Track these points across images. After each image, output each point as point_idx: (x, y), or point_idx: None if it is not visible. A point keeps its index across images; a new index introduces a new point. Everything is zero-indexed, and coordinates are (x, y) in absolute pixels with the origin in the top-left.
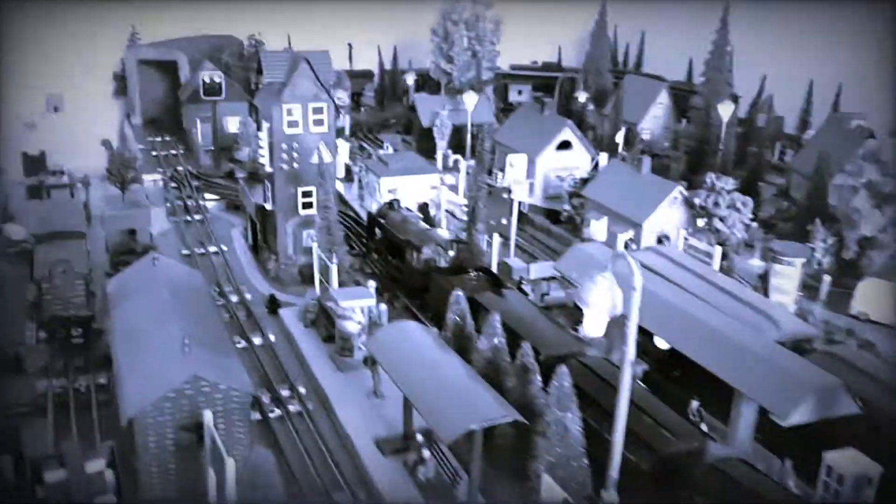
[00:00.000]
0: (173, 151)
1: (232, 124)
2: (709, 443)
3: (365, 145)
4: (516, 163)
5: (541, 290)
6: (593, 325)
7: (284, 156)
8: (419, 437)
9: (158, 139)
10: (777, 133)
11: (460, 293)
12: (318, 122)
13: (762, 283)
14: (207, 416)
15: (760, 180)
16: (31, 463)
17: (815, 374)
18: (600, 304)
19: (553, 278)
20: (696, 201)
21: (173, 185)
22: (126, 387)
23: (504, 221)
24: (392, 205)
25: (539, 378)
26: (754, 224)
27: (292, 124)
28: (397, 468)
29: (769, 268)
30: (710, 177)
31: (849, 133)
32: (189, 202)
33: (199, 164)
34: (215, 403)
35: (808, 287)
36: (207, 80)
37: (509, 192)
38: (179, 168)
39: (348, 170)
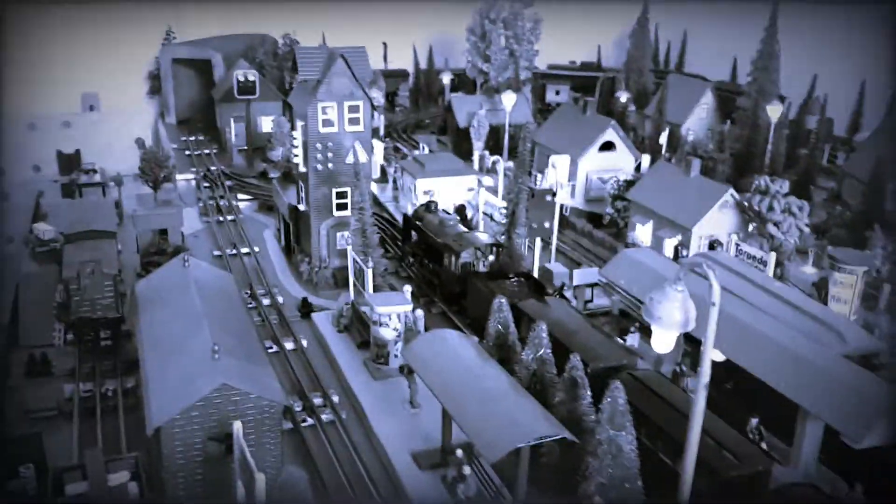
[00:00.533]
0: (206, 151)
1: (266, 124)
2: (773, 465)
3: (400, 146)
4: (559, 164)
5: (584, 296)
6: (663, 342)
7: (319, 155)
8: (458, 452)
9: (192, 139)
10: (827, 135)
11: (503, 300)
12: (354, 121)
13: (816, 291)
14: (237, 426)
15: (812, 184)
16: (53, 472)
17: (888, 392)
18: (672, 320)
19: (596, 284)
20: (748, 205)
21: (206, 184)
22: (153, 394)
23: (546, 225)
24: (429, 206)
25: (589, 393)
26: (807, 229)
27: (327, 123)
28: (435, 484)
29: (829, 276)
30: (763, 179)
31: None
32: (221, 202)
33: (231, 163)
34: (245, 413)
35: (865, 296)
36: (241, 79)
37: (553, 194)
38: (212, 168)
39: (383, 171)
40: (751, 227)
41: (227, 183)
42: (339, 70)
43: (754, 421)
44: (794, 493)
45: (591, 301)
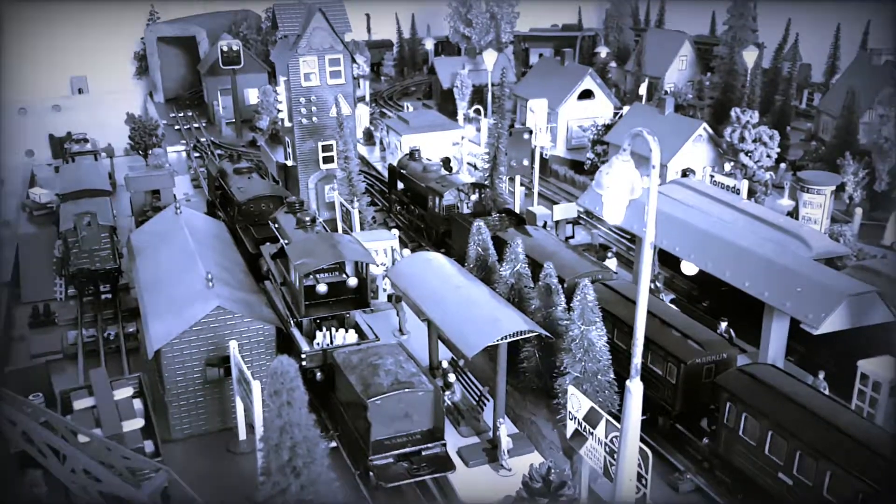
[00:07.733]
0: (196, 125)
1: (252, 96)
2: (736, 353)
3: (386, 111)
4: (537, 108)
5: (565, 232)
6: (613, 210)
7: (303, 109)
8: (444, 364)
9: (181, 115)
10: (804, 80)
11: (481, 223)
12: (335, 74)
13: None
14: (233, 345)
15: (788, 126)
16: (61, 394)
17: (846, 282)
18: (618, 187)
19: (577, 221)
20: (721, 137)
21: (196, 154)
22: (151, 323)
23: (525, 162)
24: (412, 155)
25: (563, 298)
26: (783, 165)
27: (309, 77)
28: None
29: (798, 197)
30: (735, 111)
31: (878, 69)
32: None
33: (221, 135)
34: (240, 336)
35: (840, 222)
36: (226, 49)
37: (529, 132)
38: (202, 139)
39: (370, 134)
40: (727, 167)
41: (217, 152)
42: (318, 24)
43: (723, 324)
44: (754, 369)
45: (572, 237)
